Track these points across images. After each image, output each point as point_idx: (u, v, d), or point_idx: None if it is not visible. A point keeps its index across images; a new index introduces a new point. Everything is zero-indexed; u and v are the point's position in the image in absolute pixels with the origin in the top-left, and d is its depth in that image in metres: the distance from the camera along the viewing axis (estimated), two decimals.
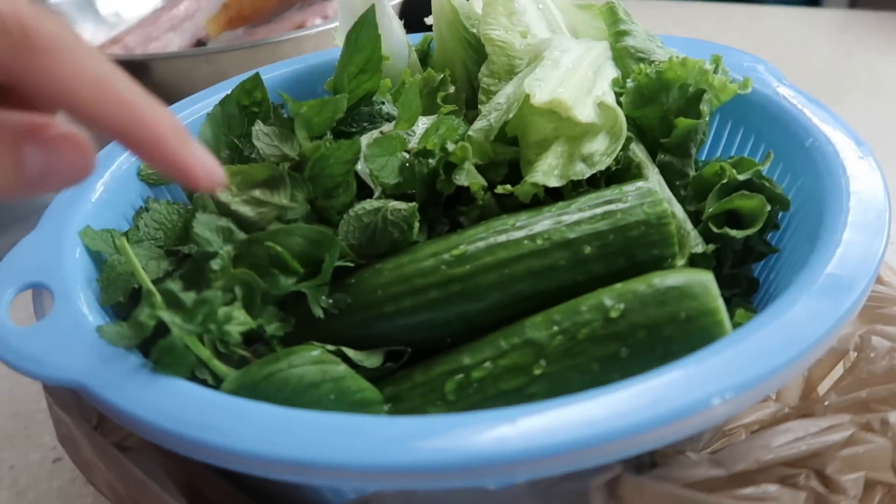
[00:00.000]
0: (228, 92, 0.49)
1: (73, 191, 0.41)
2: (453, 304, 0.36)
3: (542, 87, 0.42)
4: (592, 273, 0.37)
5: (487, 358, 0.34)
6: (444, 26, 0.54)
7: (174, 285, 0.29)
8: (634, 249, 0.37)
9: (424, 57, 0.58)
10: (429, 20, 0.58)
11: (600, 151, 0.41)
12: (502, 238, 0.37)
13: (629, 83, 0.45)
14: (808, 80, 0.89)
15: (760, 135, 0.45)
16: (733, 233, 0.39)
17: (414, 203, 0.38)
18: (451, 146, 0.40)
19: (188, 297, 0.29)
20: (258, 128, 0.40)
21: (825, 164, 0.39)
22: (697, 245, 0.40)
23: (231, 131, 0.48)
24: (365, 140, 0.42)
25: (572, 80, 0.43)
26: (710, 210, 0.40)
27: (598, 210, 0.38)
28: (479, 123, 0.43)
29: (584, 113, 0.41)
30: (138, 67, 0.70)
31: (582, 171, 0.40)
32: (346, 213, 0.38)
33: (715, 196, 0.41)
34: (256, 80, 0.48)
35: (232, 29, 0.87)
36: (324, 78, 0.56)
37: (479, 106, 0.48)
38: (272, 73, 0.55)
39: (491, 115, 0.44)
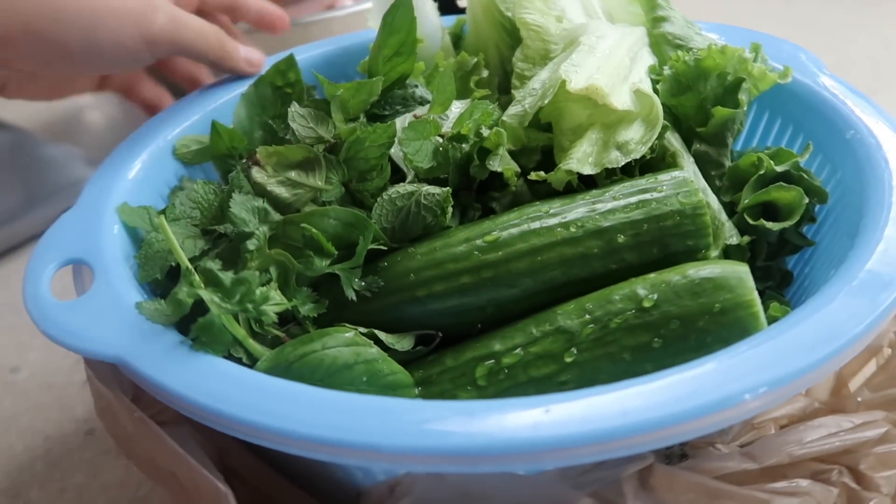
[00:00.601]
0: (263, 73, 0.49)
1: (111, 168, 0.41)
2: (485, 289, 0.36)
3: (579, 72, 0.42)
4: (625, 262, 0.37)
5: (518, 344, 0.34)
6: (478, 9, 0.54)
7: (213, 264, 0.30)
8: (668, 239, 0.37)
9: (457, 40, 0.57)
10: (462, 2, 0.58)
11: (636, 139, 0.41)
12: (535, 225, 0.37)
13: (666, 70, 0.44)
14: (844, 69, 0.86)
15: (799, 125, 0.44)
16: (769, 225, 0.39)
17: (447, 188, 0.38)
18: (485, 131, 0.40)
19: (226, 277, 0.29)
20: (294, 109, 0.40)
21: (867, 157, 0.38)
22: (732, 237, 0.39)
23: (265, 112, 0.48)
24: (399, 123, 0.42)
25: (609, 66, 0.43)
26: (746, 201, 0.40)
27: (633, 199, 0.38)
28: (513, 109, 0.43)
29: (621, 100, 0.41)
30: None
31: (616, 159, 0.40)
32: (380, 196, 0.38)
33: (751, 187, 0.40)
34: (290, 62, 0.49)
35: None
36: (356, 60, 0.56)
37: (512, 91, 0.48)
38: (304, 55, 0.55)
39: (525, 100, 0.43)
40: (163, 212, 0.40)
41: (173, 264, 0.35)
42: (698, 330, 0.32)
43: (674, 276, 0.34)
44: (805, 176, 0.40)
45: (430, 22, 0.57)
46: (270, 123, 0.47)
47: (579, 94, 0.41)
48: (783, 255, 0.41)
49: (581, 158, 0.40)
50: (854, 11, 1.05)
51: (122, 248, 0.36)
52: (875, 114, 0.40)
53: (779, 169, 0.40)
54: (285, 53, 0.49)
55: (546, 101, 0.41)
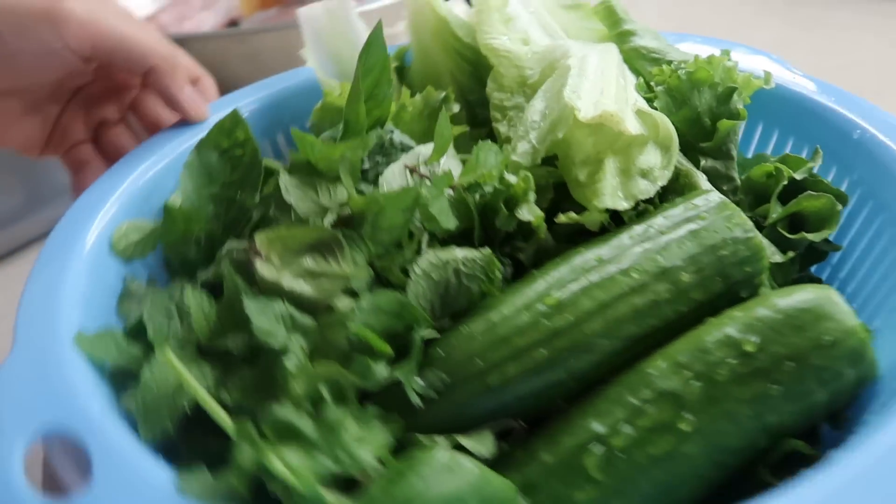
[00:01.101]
0: (204, 134, 0.40)
1: (43, 284, 0.32)
2: (563, 360, 0.31)
3: (583, 99, 0.38)
4: (694, 302, 0.34)
5: (621, 419, 0.30)
6: (427, 36, 0.49)
7: (289, 413, 0.22)
8: (728, 269, 0.34)
9: (400, 71, 0.52)
10: (396, 28, 0.52)
11: (658, 165, 0.38)
12: (594, 277, 0.33)
13: (658, 88, 0.42)
14: (850, 70, 0.80)
15: (793, 130, 0.44)
16: (810, 236, 0.37)
17: (486, 249, 0.33)
18: (511, 177, 0.35)
19: (305, 425, 0.22)
20: (285, 180, 0.33)
21: (884, 154, 0.38)
22: (774, 254, 0.38)
23: (213, 182, 0.40)
24: (394, 179, 0.37)
25: (610, 89, 0.40)
26: (775, 215, 0.38)
27: (681, 231, 0.35)
28: (520, 146, 0.38)
29: (633, 125, 0.38)
30: None
31: (647, 189, 0.37)
32: (411, 270, 0.32)
33: (778, 199, 0.39)
34: (236, 119, 0.41)
35: (265, 9, 0.89)
36: (293, 106, 0.49)
37: (494, 124, 0.44)
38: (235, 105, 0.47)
39: (529, 135, 0.39)
40: (129, 331, 0.31)
41: (187, 409, 0.26)
42: (814, 368, 0.30)
43: (762, 310, 0.31)
44: (820, 181, 0.39)
45: None
46: (224, 195, 0.39)
47: (590, 123, 0.37)
48: (811, 264, 0.40)
49: (612, 193, 0.36)
50: (860, 12, 1.02)
51: (105, 396, 0.27)
52: (871, 109, 0.40)
53: (798, 177, 0.39)
54: (227, 104, 0.41)
55: (560, 135, 0.37)
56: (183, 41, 0.67)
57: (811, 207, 0.38)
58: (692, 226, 0.35)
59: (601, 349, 0.32)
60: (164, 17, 0.88)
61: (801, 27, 0.99)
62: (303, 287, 0.30)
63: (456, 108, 0.45)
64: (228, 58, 0.69)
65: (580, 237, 0.37)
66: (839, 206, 0.37)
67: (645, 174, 0.37)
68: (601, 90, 0.39)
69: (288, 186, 0.33)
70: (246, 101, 0.47)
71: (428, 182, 0.36)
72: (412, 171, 0.36)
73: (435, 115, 0.46)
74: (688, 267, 0.34)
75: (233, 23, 0.89)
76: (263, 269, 0.30)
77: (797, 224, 0.39)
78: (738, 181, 0.41)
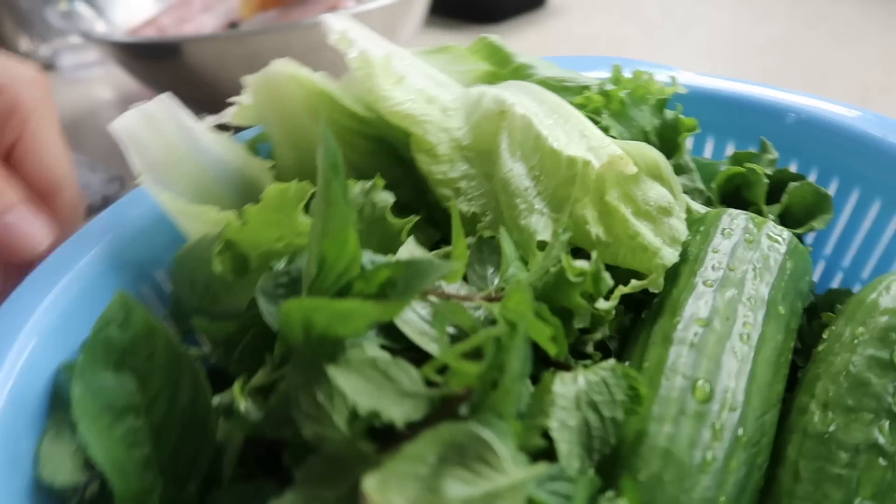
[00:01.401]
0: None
1: None
2: (752, 459, 0.25)
3: (577, 146, 0.33)
4: (793, 332, 0.30)
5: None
6: (300, 119, 0.38)
7: None
8: (799, 284, 0.32)
9: None
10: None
11: (669, 198, 0.34)
12: (715, 346, 0.27)
13: (603, 115, 0.38)
14: (856, 66, 0.78)
15: (711, 127, 0.43)
16: (816, 224, 0.36)
17: (612, 360, 0.25)
18: (582, 263, 0.28)
19: None
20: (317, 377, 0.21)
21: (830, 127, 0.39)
22: None
23: (119, 420, 0.25)
24: (415, 316, 0.27)
25: (588, 128, 0.34)
26: (774, 213, 0.37)
27: (745, 260, 0.31)
28: (535, 221, 0.31)
29: (630, 163, 0.33)
30: (171, 49, 0.69)
31: (679, 228, 0.33)
32: (558, 427, 0.23)
33: (762, 199, 0.37)
34: (127, 304, 0.27)
35: (265, 10, 0.87)
36: (150, 244, 0.35)
37: (447, 203, 0.36)
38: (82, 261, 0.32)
39: (535, 205, 0.32)
40: None
41: None
42: None
43: (882, 318, 0.29)
44: (785, 170, 0.39)
45: (213, 156, 0.39)
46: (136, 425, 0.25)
47: (602, 173, 0.32)
48: None
49: (662, 246, 0.31)
50: (864, 7, 1.00)
51: None
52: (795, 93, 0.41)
53: (769, 172, 0.38)
54: (116, 294, 0.26)
55: (584, 195, 0.31)
56: (183, 44, 0.69)
57: (800, 198, 0.37)
58: (750, 253, 0.31)
59: (770, 426, 0.27)
60: (165, 20, 0.87)
61: (806, 22, 0.97)
62: None
63: (390, 197, 0.36)
64: (228, 60, 0.69)
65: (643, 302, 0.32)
66: (828, 192, 0.37)
67: (663, 212, 0.33)
68: (580, 133, 0.34)
69: (336, 378, 0.21)
70: (87, 259, 0.32)
71: (465, 303, 0.27)
72: (442, 296, 0.27)
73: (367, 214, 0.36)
74: (776, 296, 0.30)
75: (233, 25, 0.89)
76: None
77: (784, 219, 0.39)
78: (707, 191, 0.39)
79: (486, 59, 0.43)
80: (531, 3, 1.11)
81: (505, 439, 0.21)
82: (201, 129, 0.39)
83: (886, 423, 0.26)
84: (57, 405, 0.28)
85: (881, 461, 0.25)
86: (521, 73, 0.42)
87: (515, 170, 0.33)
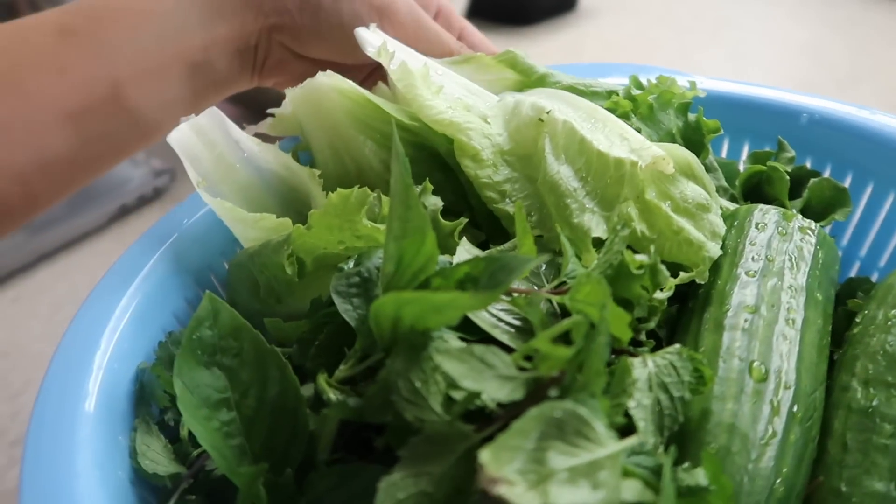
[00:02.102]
0: (179, 348, 0.27)
1: None
2: (805, 433, 0.27)
3: (619, 148, 0.35)
4: (829, 318, 0.33)
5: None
6: (342, 130, 0.40)
7: None
8: (831, 272, 0.34)
9: None
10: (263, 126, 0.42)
11: (702, 194, 0.36)
12: (763, 330, 0.30)
13: (633, 118, 0.40)
14: (886, 70, 0.77)
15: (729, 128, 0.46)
16: (839, 216, 0.39)
17: (677, 345, 0.27)
18: (642, 257, 0.30)
19: None
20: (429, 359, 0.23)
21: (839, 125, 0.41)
22: None
23: (215, 412, 0.27)
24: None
25: (627, 132, 0.36)
26: (797, 208, 0.39)
27: (781, 251, 0.33)
28: (588, 219, 0.33)
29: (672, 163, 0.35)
30: None
31: (718, 224, 0.35)
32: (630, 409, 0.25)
33: (784, 195, 0.40)
34: (214, 303, 0.28)
35: None
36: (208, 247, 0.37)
37: (493, 206, 0.37)
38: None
39: (586, 204, 0.34)
40: None
41: None
42: None
43: None
44: (802, 168, 0.42)
45: (260, 165, 0.40)
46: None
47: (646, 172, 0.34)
48: None
49: (704, 240, 0.33)
50: (894, 13, 1.00)
51: None
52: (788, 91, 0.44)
53: (789, 170, 0.41)
54: (205, 296, 0.28)
55: (632, 194, 0.33)
56: None
57: (819, 193, 0.40)
58: (785, 244, 0.34)
59: (819, 402, 0.29)
60: None
61: (836, 27, 0.97)
62: (578, 496, 0.21)
63: (439, 200, 0.37)
64: None
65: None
66: (844, 185, 0.40)
67: (703, 209, 0.35)
68: (619, 136, 0.36)
69: (442, 364, 0.23)
70: (151, 265, 0.33)
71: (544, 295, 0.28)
72: (513, 290, 0.29)
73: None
74: (813, 284, 0.32)
75: None
76: (523, 497, 0.20)
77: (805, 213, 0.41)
78: (731, 189, 0.42)
79: (511, 68, 0.45)
80: (563, 7, 1.14)
81: (597, 416, 0.23)
82: (247, 140, 0.40)
83: None
84: (141, 402, 0.29)
85: None
86: (545, 81, 0.44)
87: (562, 172, 0.35)
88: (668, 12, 1.10)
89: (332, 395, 0.26)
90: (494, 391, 0.23)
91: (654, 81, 0.43)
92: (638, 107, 0.40)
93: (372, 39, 0.41)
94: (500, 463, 0.21)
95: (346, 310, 0.28)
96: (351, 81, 0.40)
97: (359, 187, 0.34)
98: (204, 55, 0.41)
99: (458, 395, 0.24)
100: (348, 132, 0.40)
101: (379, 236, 0.33)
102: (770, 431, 0.26)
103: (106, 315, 0.30)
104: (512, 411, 0.23)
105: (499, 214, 0.37)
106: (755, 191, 0.41)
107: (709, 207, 0.35)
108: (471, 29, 0.49)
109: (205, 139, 0.39)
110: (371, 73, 0.47)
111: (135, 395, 0.29)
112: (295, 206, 0.42)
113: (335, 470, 0.25)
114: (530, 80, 0.45)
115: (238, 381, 0.27)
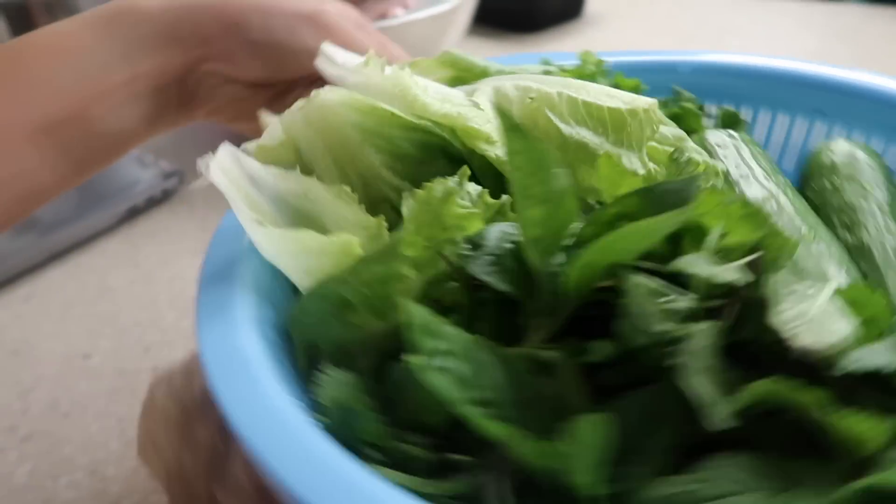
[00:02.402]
0: None
1: None
2: None
3: (621, 103, 0.38)
4: None
5: None
6: (352, 138, 0.39)
7: None
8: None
9: None
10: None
11: (677, 131, 0.41)
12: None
13: None
14: None
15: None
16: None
17: None
18: None
19: None
20: None
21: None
22: None
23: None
24: None
25: (607, 90, 0.39)
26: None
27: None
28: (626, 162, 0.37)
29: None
30: None
31: (699, 150, 0.40)
32: None
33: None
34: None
35: None
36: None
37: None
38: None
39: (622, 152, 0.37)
40: None
41: None
42: None
43: None
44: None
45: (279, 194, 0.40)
46: None
47: None
48: None
49: None
50: None
51: None
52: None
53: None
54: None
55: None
56: None
57: (727, 118, 0.47)
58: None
59: None
60: None
61: (841, 36, 1.00)
62: None
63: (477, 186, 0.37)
64: None
65: None
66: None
67: (684, 140, 0.40)
68: (606, 94, 0.39)
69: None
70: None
71: None
72: None
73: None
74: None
75: None
76: None
77: None
78: None
79: (450, 67, 0.45)
80: (569, 14, 1.14)
81: None
82: (263, 170, 0.38)
83: None
84: None
85: None
86: (489, 73, 0.45)
87: (582, 133, 0.36)
88: (673, 19, 1.12)
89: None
90: None
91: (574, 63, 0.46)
92: (588, 78, 0.43)
93: (335, 55, 0.39)
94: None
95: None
96: (354, 92, 0.39)
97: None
98: (127, 92, 0.40)
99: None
100: (356, 146, 0.40)
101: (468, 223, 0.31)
102: None
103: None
104: None
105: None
106: None
107: (685, 139, 0.40)
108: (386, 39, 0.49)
109: (231, 176, 0.37)
110: (289, 87, 0.45)
111: None
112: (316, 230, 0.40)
113: None
114: (474, 74, 0.45)
115: None
